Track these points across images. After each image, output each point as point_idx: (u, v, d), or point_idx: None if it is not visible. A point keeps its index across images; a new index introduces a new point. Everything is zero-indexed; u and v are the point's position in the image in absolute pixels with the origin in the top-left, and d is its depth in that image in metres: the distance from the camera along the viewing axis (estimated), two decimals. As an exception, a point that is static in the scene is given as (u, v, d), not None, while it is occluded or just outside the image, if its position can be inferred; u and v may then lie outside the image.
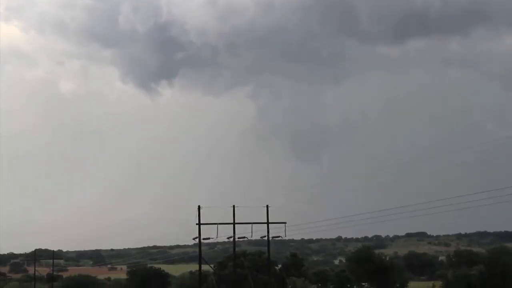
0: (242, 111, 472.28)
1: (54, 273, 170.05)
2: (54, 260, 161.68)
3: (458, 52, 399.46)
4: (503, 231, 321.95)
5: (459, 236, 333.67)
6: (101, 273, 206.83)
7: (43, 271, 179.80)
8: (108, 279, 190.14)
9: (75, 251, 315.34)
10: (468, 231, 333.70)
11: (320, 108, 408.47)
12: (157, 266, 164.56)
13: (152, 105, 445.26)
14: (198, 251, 78.44)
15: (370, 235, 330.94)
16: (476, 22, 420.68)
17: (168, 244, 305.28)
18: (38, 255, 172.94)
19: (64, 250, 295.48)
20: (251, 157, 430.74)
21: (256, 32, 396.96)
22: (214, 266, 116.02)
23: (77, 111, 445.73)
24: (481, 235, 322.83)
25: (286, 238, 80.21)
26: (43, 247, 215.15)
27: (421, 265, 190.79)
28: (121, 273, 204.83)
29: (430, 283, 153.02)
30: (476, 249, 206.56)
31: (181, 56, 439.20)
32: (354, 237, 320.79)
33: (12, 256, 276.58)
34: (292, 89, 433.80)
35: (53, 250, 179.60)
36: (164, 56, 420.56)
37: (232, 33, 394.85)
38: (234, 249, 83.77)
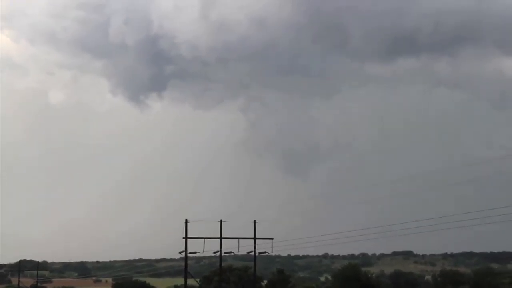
0: (232, 126, 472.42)
1: (39, 284, 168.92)
2: (39, 271, 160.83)
3: (447, 72, 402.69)
4: (489, 252, 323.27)
5: (445, 256, 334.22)
6: (86, 285, 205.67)
7: (27, 282, 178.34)
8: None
9: (60, 263, 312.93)
10: (454, 251, 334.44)
11: (310, 124, 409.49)
12: (142, 279, 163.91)
13: (141, 118, 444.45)
14: (184, 265, 78.37)
15: (356, 253, 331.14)
16: (466, 43, 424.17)
17: (154, 257, 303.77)
18: (22, 266, 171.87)
19: (49, 261, 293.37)
20: (240, 172, 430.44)
21: (248, 48, 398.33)
22: (199, 280, 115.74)
23: (66, 121, 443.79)
24: (467, 256, 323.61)
25: (273, 253, 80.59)
26: (28, 258, 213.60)
27: (407, 284, 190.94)
28: (106, 286, 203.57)
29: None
30: (461, 269, 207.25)
31: (172, 70, 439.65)
32: (341, 254, 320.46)
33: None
34: (283, 104, 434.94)
35: (38, 261, 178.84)
36: (155, 69, 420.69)
37: (224, 48, 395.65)
38: (220, 263, 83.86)
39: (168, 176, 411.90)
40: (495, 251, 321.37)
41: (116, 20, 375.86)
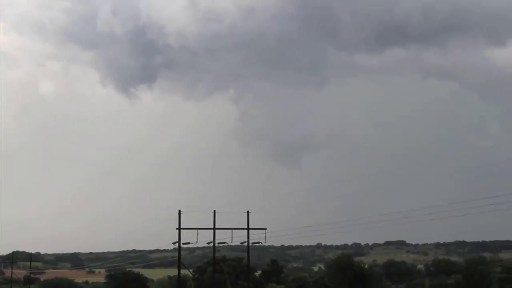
0: (223, 116, 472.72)
1: (32, 275, 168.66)
2: (32, 262, 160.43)
3: (437, 63, 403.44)
4: (480, 241, 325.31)
5: (437, 245, 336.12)
6: (79, 276, 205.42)
7: (20, 273, 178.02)
8: (86, 282, 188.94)
9: (53, 254, 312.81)
10: (446, 241, 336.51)
11: (301, 114, 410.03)
12: (136, 270, 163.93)
13: (132, 108, 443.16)
14: (178, 256, 78.42)
15: (349, 243, 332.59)
16: (455, 34, 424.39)
17: (147, 248, 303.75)
18: (15, 257, 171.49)
19: (42, 252, 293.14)
20: (232, 162, 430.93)
21: (237, 37, 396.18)
22: (193, 271, 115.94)
23: (56, 112, 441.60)
24: (459, 245, 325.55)
25: (266, 244, 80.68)
26: (21, 249, 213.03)
27: (399, 273, 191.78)
28: (99, 277, 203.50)
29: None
30: (454, 258, 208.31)
31: (161, 60, 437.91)
32: (334, 245, 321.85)
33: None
34: (274, 94, 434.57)
35: (31, 253, 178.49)
36: (144, 60, 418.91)
37: (213, 37, 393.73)
38: (214, 254, 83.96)
39: (161, 168, 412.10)
40: (487, 240, 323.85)
41: (103, 11, 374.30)
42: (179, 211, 74.73)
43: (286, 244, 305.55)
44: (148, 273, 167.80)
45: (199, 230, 74.44)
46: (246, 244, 77.49)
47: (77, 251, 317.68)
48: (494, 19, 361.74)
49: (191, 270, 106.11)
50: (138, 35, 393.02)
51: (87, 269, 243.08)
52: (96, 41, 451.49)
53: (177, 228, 74.90)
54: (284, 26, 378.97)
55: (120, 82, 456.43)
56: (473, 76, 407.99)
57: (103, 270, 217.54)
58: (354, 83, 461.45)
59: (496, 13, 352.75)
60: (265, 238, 75.83)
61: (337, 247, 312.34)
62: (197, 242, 75.40)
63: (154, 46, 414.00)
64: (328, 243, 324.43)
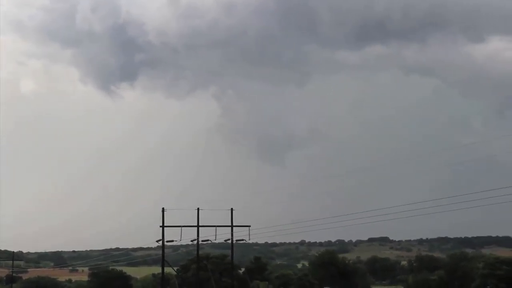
0: (206, 114, 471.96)
1: (14, 274, 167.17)
2: (14, 261, 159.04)
3: (417, 59, 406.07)
4: (463, 237, 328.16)
5: (420, 242, 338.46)
6: (62, 275, 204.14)
7: (2, 272, 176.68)
8: (69, 281, 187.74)
9: (36, 253, 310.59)
10: (429, 237, 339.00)
11: (284, 111, 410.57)
12: (119, 268, 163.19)
13: (113, 106, 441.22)
14: (162, 254, 78.08)
15: (333, 240, 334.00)
16: (435, 30, 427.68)
17: (131, 246, 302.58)
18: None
19: (25, 251, 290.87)
20: (216, 160, 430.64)
21: (218, 34, 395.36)
22: (177, 269, 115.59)
23: (37, 110, 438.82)
24: (442, 241, 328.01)
25: (250, 241, 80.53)
26: (2, 248, 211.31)
27: (383, 269, 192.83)
28: (82, 275, 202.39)
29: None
30: (436, 254, 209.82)
31: (141, 58, 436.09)
32: (318, 241, 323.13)
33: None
34: (256, 91, 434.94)
35: (13, 251, 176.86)
36: (124, 58, 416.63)
37: (194, 34, 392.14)
38: (198, 252, 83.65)
39: (144, 165, 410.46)
40: (469, 236, 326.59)
41: (82, 8, 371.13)
42: (163, 208, 74.41)
43: (270, 241, 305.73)
44: (131, 271, 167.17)
45: (182, 228, 74.16)
46: (230, 241, 77.37)
47: (59, 250, 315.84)
48: (473, 15, 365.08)
49: (175, 268, 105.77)
50: (118, 33, 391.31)
51: (70, 268, 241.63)
52: (76, 38, 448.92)
53: (160, 226, 74.57)
54: (265, 22, 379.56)
55: (100, 80, 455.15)
56: (454, 73, 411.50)
57: (86, 269, 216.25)
58: (336, 80, 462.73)
59: (474, 9, 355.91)
60: (249, 235, 75.78)
61: (321, 244, 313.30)
62: (180, 240, 75.16)
63: (134, 44, 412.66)
64: (312, 240, 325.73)
